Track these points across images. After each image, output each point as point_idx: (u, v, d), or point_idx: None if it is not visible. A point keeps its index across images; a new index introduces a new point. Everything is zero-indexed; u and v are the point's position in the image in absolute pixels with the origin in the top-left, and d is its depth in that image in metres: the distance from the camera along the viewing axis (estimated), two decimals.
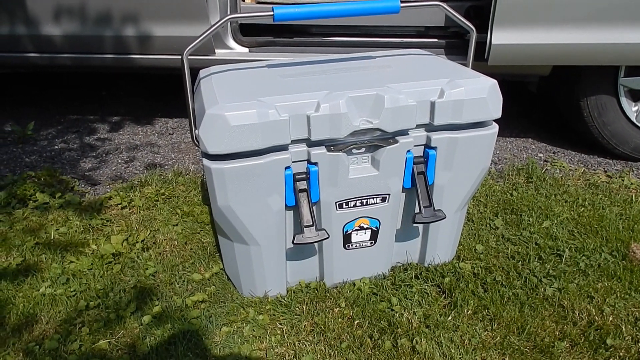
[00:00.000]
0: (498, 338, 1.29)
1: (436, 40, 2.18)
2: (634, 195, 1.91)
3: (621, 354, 1.24)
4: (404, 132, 1.29)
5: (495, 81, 1.30)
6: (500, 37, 1.93)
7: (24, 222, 1.77)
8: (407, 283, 1.47)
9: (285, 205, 1.29)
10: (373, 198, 1.34)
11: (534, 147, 2.41)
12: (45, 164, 2.24)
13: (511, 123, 2.65)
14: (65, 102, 3.00)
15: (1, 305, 1.40)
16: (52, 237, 1.68)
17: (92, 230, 1.73)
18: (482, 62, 2.00)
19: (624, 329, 1.30)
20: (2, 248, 1.62)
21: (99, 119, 2.77)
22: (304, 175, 1.26)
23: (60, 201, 1.89)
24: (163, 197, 1.92)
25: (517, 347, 1.26)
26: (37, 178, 2.05)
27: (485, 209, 1.82)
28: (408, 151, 1.30)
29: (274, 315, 1.37)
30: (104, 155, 2.36)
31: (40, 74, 3.43)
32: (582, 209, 1.82)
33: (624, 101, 2.12)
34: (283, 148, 1.22)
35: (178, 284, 1.48)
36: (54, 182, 2.05)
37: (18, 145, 2.44)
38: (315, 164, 1.25)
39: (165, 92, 3.17)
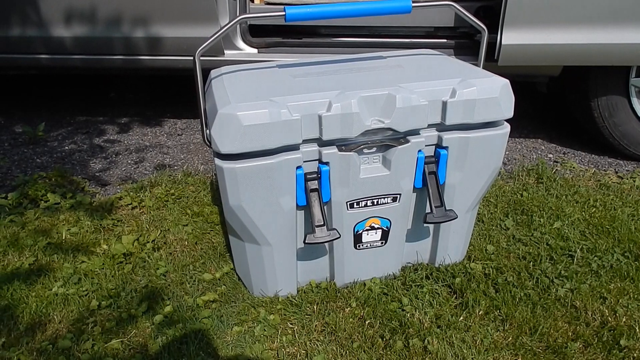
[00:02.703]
0: (510, 338, 1.28)
1: (445, 40, 2.18)
2: None
3: (635, 354, 1.23)
4: (415, 132, 1.29)
5: (507, 81, 1.30)
6: (511, 37, 1.93)
7: (36, 222, 1.78)
8: (418, 283, 1.46)
9: (297, 204, 1.29)
10: (384, 198, 1.34)
11: (543, 147, 2.40)
12: (56, 165, 2.26)
13: (521, 123, 2.64)
14: (75, 104, 3.02)
15: (14, 305, 1.41)
16: (63, 237, 1.69)
17: (103, 231, 1.74)
18: (492, 63, 1.99)
19: (637, 330, 1.29)
20: (14, 248, 1.64)
21: (108, 120, 2.79)
22: (315, 175, 1.26)
23: (71, 201, 1.90)
24: (173, 197, 1.93)
25: (529, 347, 1.25)
26: (48, 179, 2.07)
27: (496, 210, 1.82)
28: (419, 151, 1.30)
29: (284, 315, 1.37)
30: (114, 156, 2.38)
31: (50, 75, 3.45)
32: (594, 209, 1.81)
33: (635, 101, 2.11)
34: (294, 148, 1.22)
35: (189, 283, 1.49)
36: (64, 182, 2.06)
37: (29, 146, 2.46)
38: (327, 163, 1.25)
39: (174, 93, 3.19)
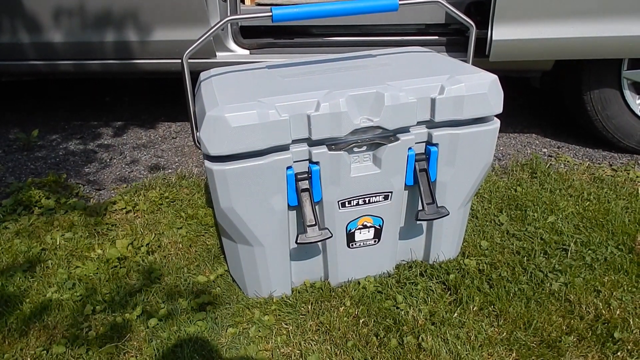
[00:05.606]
0: (504, 334, 1.28)
1: (437, 37, 2.18)
2: (639, 189, 1.90)
3: (629, 347, 1.23)
4: (405, 130, 1.29)
5: (495, 76, 1.30)
6: (501, 32, 1.92)
7: (30, 228, 1.78)
8: (412, 281, 1.46)
9: (288, 205, 1.29)
10: (375, 196, 1.34)
11: (537, 142, 2.40)
12: (50, 170, 2.26)
13: (515, 119, 2.64)
14: (69, 109, 3.02)
15: (8, 311, 1.41)
16: (57, 243, 1.69)
17: (97, 235, 1.74)
18: (484, 59, 1.99)
19: (631, 322, 1.29)
20: (8, 254, 1.64)
21: (103, 124, 2.79)
22: (306, 175, 1.26)
23: (66, 207, 1.90)
24: (167, 200, 1.93)
25: (523, 342, 1.25)
26: (42, 184, 2.06)
27: (490, 205, 1.82)
28: (409, 148, 1.30)
29: (279, 315, 1.37)
30: (108, 160, 2.38)
31: (44, 81, 3.45)
32: (588, 203, 1.81)
33: (628, 94, 2.11)
34: (284, 148, 1.22)
35: (183, 286, 1.49)
36: (59, 188, 2.06)
37: (23, 153, 2.46)
38: (317, 163, 1.25)
39: (168, 96, 3.19)
